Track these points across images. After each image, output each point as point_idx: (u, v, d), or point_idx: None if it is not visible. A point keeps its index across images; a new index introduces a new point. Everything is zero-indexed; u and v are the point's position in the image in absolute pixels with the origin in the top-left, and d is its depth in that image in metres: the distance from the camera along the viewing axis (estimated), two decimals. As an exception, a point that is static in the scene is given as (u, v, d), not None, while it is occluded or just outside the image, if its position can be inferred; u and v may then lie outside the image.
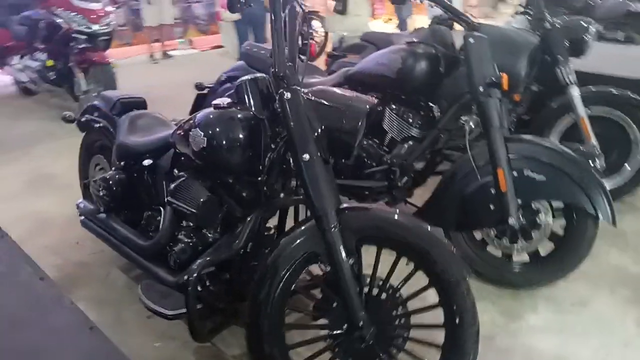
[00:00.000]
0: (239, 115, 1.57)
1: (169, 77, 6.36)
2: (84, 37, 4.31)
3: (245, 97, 1.59)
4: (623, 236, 2.61)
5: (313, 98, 1.50)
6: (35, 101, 5.33)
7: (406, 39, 2.27)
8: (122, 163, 2.10)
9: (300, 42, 2.46)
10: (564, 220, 2.08)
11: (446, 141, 2.38)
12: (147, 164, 1.97)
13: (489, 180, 2.02)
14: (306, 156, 1.41)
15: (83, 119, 2.45)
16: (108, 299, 2.17)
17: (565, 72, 2.74)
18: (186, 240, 1.71)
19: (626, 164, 2.80)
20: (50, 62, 4.42)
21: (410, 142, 2.32)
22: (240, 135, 1.54)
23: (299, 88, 1.48)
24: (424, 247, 1.43)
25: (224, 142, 1.54)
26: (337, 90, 1.56)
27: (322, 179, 1.42)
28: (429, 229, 1.47)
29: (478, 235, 2.23)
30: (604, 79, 3.15)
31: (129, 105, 2.32)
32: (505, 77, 1.94)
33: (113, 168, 2.15)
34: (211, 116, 1.60)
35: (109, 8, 4.74)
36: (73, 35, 4.30)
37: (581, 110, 2.71)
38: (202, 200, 1.58)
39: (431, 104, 2.29)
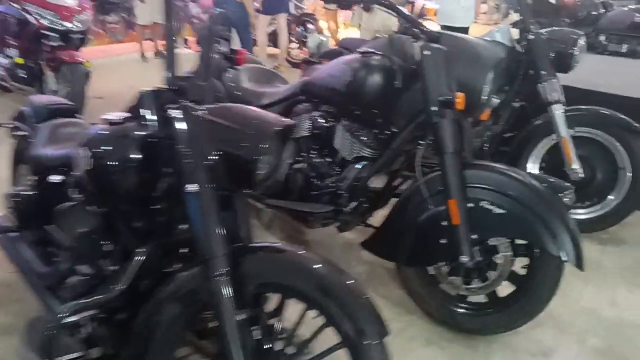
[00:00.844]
0: (132, 133, 1.35)
1: (156, 76, 6.17)
2: (55, 35, 4.14)
3: (142, 111, 1.37)
4: (601, 271, 2.36)
5: (210, 118, 1.28)
6: (12, 98, 5.18)
7: (360, 49, 2.03)
8: (35, 177, 1.89)
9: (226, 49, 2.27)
10: (527, 259, 1.84)
11: (405, 162, 2.15)
12: (55, 180, 1.75)
13: (442, 210, 1.79)
14: (192, 187, 1.19)
15: (12, 125, 2.26)
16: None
17: (548, 89, 2.50)
18: (81, 272, 1.49)
19: (612, 192, 2.54)
20: (20, 60, 4.24)
21: (363, 163, 2.09)
22: (132, 156, 1.33)
23: (191, 105, 1.26)
24: (336, 301, 1.20)
25: (112, 164, 1.33)
26: (245, 108, 1.34)
27: (210, 215, 1.19)
28: (346, 278, 1.24)
29: (431, 269, 1.99)
30: (597, 97, 2.90)
31: (56, 112, 2.12)
32: (460, 97, 1.70)
33: (27, 182, 1.95)
34: (101, 133, 1.38)
35: (87, 4, 4.55)
36: (44, 32, 4.12)
37: (563, 130, 2.47)
38: (79, 231, 1.37)
39: (388, 122, 2.06)
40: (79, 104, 4.21)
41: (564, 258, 1.68)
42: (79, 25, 4.29)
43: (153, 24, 7.33)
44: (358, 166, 2.09)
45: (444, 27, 4.60)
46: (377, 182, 2.22)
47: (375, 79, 1.93)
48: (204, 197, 1.20)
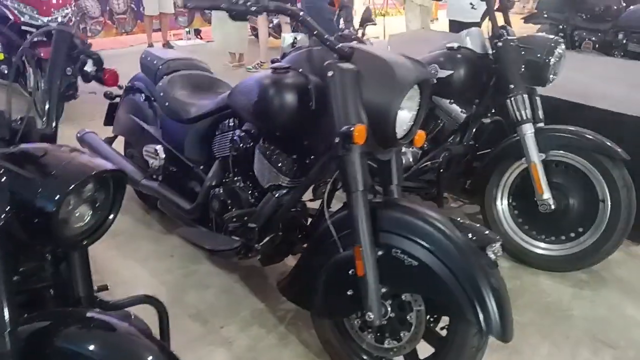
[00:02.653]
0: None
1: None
2: (34, 30, 4.03)
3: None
4: (567, 323, 2.03)
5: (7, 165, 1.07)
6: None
7: (273, 64, 1.76)
8: None
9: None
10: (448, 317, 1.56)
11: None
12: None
13: (350, 256, 1.52)
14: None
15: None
16: None
17: (516, 105, 2.16)
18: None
19: (590, 227, 2.19)
20: (0, 56, 4.19)
21: (280, 192, 1.84)
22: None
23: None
24: None
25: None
26: (48, 148, 1.12)
27: None
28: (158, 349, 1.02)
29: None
30: (588, 112, 2.52)
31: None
32: (359, 129, 1.42)
33: None
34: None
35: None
36: (23, 28, 4.03)
37: (532, 154, 2.14)
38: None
39: (306, 148, 1.79)
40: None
41: (483, 327, 1.39)
42: (60, 19, 4.17)
43: (160, 14, 7.22)
44: (274, 196, 1.84)
45: (453, 21, 4.27)
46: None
47: (286, 99, 1.66)
48: None
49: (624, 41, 4.05)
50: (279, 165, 1.81)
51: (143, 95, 2.54)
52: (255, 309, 2.09)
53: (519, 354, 1.85)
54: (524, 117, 2.14)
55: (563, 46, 2.22)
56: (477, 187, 2.47)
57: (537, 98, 2.33)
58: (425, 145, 2.59)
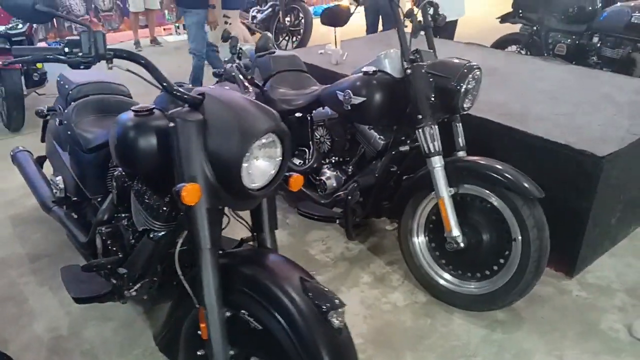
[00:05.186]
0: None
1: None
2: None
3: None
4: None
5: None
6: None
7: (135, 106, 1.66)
8: None
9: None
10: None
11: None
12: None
13: (202, 315, 1.44)
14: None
15: None
16: None
17: (425, 136, 2.04)
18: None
19: (503, 266, 2.06)
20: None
21: (156, 235, 1.76)
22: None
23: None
24: None
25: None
26: None
27: None
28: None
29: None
30: (519, 137, 2.37)
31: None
32: (187, 189, 1.32)
33: None
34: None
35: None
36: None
37: (441, 188, 2.03)
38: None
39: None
40: (14, 111, 4.13)
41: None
42: (19, 27, 4.14)
43: (146, 10, 7.17)
44: (153, 237, 1.77)
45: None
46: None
47: (144, 142, 1.56)
48: None
49: (598, 45, 3.80)
50: (151, 208, 1.72)
51: (58, 119, 2.48)
52: (148, 346, 2.04)
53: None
54: (432, 150, 2.01)
55: (478, 71, 2.06)
56: (395, 215, 2.36)
57: (458, 125, 2.20)
58: (350, 171, 2.50)
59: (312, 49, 3.91)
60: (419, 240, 2.26)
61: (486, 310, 2.14)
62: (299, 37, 6.83)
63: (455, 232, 2.02)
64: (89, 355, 2.03)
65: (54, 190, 2.33)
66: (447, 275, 2.22)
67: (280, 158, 1.50)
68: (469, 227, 2.08)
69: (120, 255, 1.86)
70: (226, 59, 2.18)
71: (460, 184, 2.05)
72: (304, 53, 3.53)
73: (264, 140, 1.43)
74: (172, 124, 1.41)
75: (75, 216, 2.28)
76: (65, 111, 2.29)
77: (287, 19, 6.77)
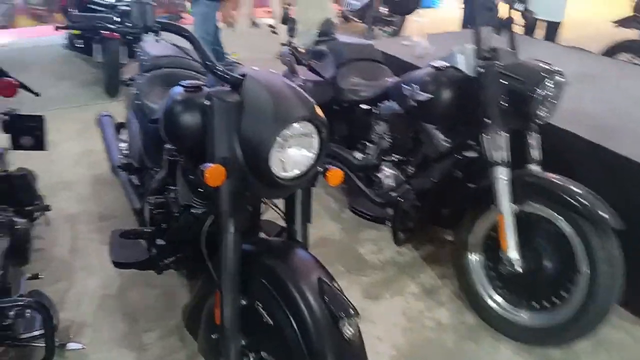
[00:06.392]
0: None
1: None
2: (101, 8, 4.33)
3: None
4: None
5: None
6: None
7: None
8: None
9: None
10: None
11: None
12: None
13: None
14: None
15: None
16: None
17: (489, 143, 1.85)
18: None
19: (566, 298, 1.82)
20: (76, 32, 4.57)
21: (196, 211, 1.76)
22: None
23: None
24: None
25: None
26: None
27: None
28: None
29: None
30: (602, 155, 2.09)
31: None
32: (210, 171, 1.28)
33: None
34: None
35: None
36: (89, 5, 4.34)
37: (503, 203, 1.84)
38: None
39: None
40: (111, 78, 4.41)
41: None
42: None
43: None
44: (193, 213, 1.77)
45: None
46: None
47: (188, 118, 1.56)
48: None
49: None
50: (193, 183, 1.73)
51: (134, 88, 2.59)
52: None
53: None
54: (496, 159, 1.82)
55: (559, 77, 1.82)
56: (451, 226, 2.18)
57: (534, 135, 1.96)
58: (409, 171, 2.35)
59: (397, 39, 3.75)
60: (474, 257, 2.07)
61: (539, 346, 1.91)
62: (395, 27, 6.66)
63: (513, 253, 1.81)
64: (129, 317, 2.11)
65: (119, 156, 2.44)
66: (500, 299, 2.01)
67: (317, 150, 1.42)
68: (531, 251, 1.86)
69: (164, 226, 1.88)
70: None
71: (526, 201, 1.84)
72: (387, 43, 3.38)
73: (298, 129, 1.36)
74: (208, 103, 1.39)
75: (137, 183, 2.38)
76: (139, 81, 2.38)
77: (383, 8, 6.61)
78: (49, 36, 6.04)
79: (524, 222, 1.86)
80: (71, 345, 1.94)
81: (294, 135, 1.37)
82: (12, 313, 1.61)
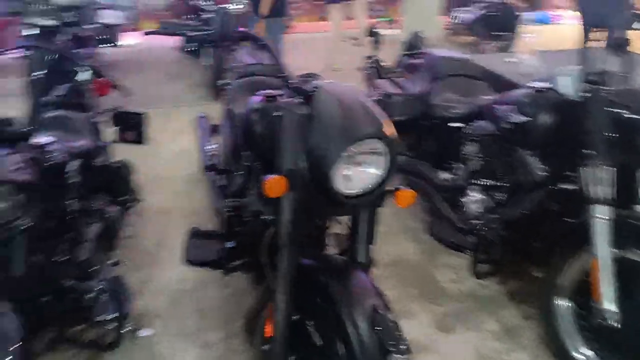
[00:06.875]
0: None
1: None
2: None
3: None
4: None
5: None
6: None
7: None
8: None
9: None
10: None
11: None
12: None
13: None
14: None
15: None
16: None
17: (589, 178, 1.65)
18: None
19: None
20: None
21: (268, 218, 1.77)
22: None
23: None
24: None
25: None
26: None
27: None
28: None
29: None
30: None
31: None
32: (270, 182, 1.29)
33: None
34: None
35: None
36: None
37: (600, 245, 1.62)
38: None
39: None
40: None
41: None
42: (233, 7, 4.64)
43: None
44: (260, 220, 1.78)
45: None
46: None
47: (257, 126, 1.56)
48: None
49: None
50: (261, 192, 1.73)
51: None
52: (248, 323, 2.10)
53: None
54: (596, 196, 1.60)
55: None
56: (539, 263, 1.96)
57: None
58: (498, 199, 2.17)
59: (502, 55, 3.52)
60: (563, 302, 1.84)
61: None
62: (506, 42, 6.30)
63: (608, 305, 1.58)
64: (199, 314, 2.18)
65: (208, 156, 2.55)
66: (590, 353, 1.77)
67: (385, 169, 1.35)
68: (632, 304, 1.61)
69: (236, 230, 1.91)
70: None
71: (629, 247, 1.59)
72: (489, 59, 3.19)
73: (366, 146, 1.30)
74: (279, 113, 1.38)
75: (221, 184, 2.46)
76: (230, 86, 2.46)
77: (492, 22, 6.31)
78: (167, 39, 6.60)
79: (626, 270, 1.61)
80: (142, 332, 2.05)
81: (362, 152, 1.31)
82: (91, 296, 1.73)
